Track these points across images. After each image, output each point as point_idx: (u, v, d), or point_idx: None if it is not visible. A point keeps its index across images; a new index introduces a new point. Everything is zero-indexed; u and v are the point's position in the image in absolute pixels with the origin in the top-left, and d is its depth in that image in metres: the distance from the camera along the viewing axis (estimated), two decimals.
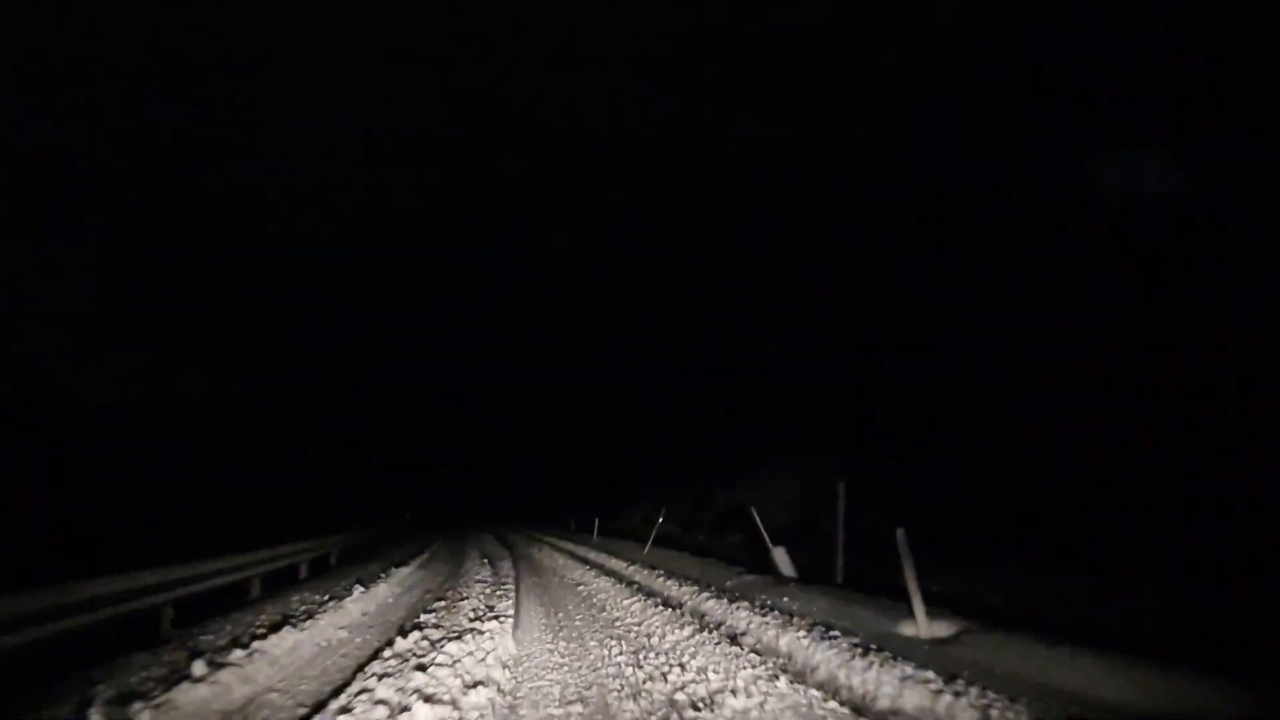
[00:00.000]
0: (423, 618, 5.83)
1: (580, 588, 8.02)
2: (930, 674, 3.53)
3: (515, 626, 5.53)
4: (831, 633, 4.62)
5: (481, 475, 65.26)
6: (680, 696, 3.62)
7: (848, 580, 7.50)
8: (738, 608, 5.73)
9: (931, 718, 3.18)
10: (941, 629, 4.43)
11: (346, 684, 3.92)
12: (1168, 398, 9.09)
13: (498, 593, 7.25)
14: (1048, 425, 11.09)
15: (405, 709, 3.29)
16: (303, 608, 6.64)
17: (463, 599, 6.89)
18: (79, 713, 3.23)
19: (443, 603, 6.76)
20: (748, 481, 20.19)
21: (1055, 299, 11.54)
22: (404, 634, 5.08)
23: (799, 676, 3.99)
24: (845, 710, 3.39)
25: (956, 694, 3.23)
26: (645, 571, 8.88)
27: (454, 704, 3.44)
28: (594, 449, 37.28)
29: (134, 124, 21.22)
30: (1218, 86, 9.97)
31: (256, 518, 15.83)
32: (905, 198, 16.60)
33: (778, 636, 4.79)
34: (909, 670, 3.61)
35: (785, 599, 6.09)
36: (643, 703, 3.57)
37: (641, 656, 4.51)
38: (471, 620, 5.60)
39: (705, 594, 6.55)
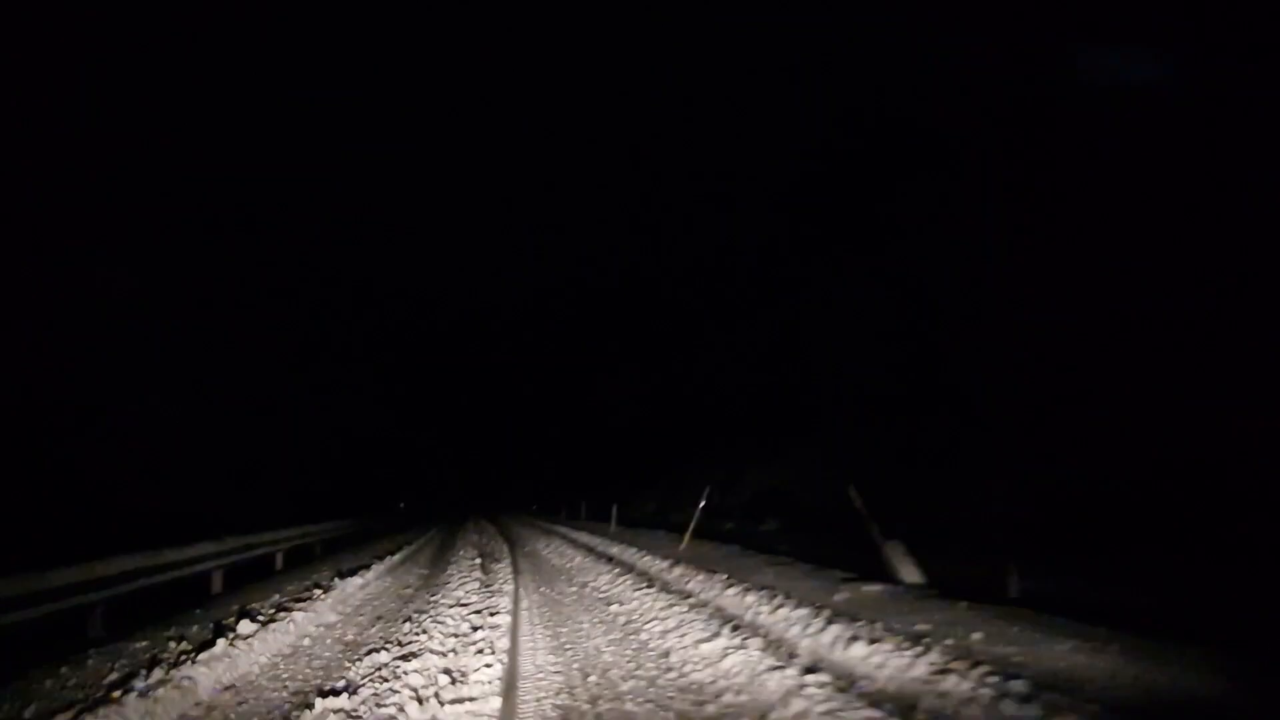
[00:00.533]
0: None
1: (613, 608, 5.40)
2: None
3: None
4: None
5: (485, 463, 63.11)
6: None
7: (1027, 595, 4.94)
8: (944, 671, 3.02)
9: None
10: None
11: None
12: None
13: (479, 636, 4.39)
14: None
15: None
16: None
17: (414, 652, 4.01)
18: None
19: (378, 658, 3.99)
20: (784, 460, 17.43)
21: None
22: None
23: None
24: None
25: None
26: (698, 576, 6.29)
27: None
28: (604, 433, 34.75)
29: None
30: None
31: (191, 507, 13.40)
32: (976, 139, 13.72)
33: None
34: None
35: (1002, 643, 3.50)
36: None
37: None
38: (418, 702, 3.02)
39: (837, 626, 3.89)
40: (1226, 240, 8.20)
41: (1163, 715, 2.46)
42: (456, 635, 4.39)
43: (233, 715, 3.09)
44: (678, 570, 6.85)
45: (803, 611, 4.31)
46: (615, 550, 9.53)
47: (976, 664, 2.99)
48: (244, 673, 3.74)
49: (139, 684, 3.27)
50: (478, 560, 8.56)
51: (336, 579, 6.80)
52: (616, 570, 7.41)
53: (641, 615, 4.91)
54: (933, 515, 9.20)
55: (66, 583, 4.78)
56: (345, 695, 3.10)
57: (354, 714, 2.91)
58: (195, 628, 4.85)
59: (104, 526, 11.60)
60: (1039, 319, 10.76)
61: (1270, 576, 4.74)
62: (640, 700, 3.07)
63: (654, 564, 7.65)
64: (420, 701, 2.98)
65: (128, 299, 16.73)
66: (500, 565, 8.13)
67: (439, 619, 4.92)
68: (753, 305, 21.82)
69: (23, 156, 15.20)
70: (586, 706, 3.01)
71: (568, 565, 8.48)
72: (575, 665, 3.73)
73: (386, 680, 3.38)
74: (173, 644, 4.32)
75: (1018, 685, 2.66)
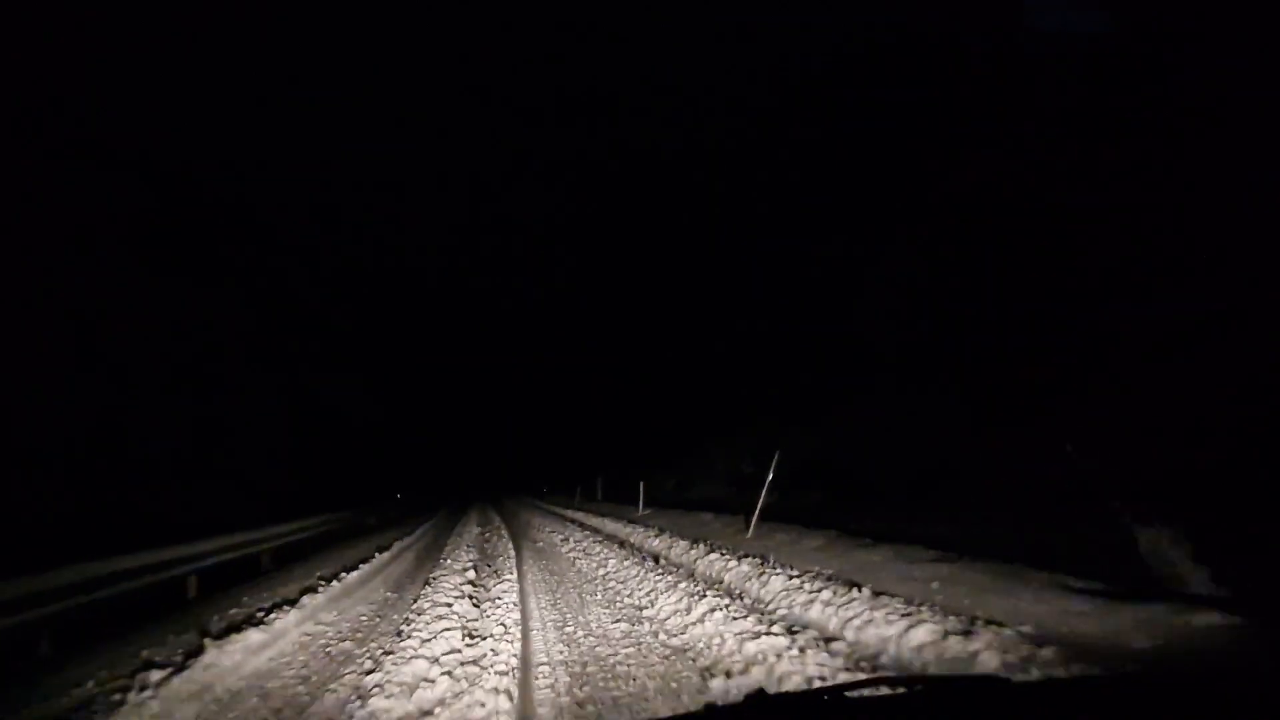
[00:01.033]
0: None
1: (715, 682, 2.93)
2: None
3: None
4: None
5: (491, 446, 61.25)
6: None
7: None
8: None
9: None
10: None
11: None
12: None
13: None
14: None
15: None
16: None
17: None
18: None
19: None
20: (823, 427, 14.87)
21: None
22: None
23: None
24: None
25: None
26: (837, 597, 3.76)
27: None
28: (617, 407, 32.45)
29: None
30: None
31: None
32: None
33: None
34: None
35: None
36: None
37: None
38: None
39: None
40: None
41: None
42: None
43: None
44: (778, 581, 4.37)
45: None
46: (658, 544, 7.15)
47: None
48: None
49: None
50: (470, 572, 6.09)
51: (272, 614, 4.40)
52: (674, 579, 5.01)
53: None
54: (1035, 485, 7.08)
55: None
56: None
57: None
58: None
59: None
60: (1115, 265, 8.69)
61: None
62: None
63: (728, 567, 5.20)
64: None
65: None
66: (503, 584, 5.58)
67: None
68: (781, 264, 19.43)
69: None
70: None
71: (599, 571, 6.08)
72: None
73: None
74: None
75: None
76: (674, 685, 2.89)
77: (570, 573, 6.17)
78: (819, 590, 3.88)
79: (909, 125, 14.16)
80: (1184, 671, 2.36)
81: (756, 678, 2.77)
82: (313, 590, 5.59)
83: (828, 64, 17.66)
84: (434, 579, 5.69)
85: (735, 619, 3.58)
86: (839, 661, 2.83)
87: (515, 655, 3.39)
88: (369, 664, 3.49)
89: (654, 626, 3.90)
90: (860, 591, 3.67)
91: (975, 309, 11.64)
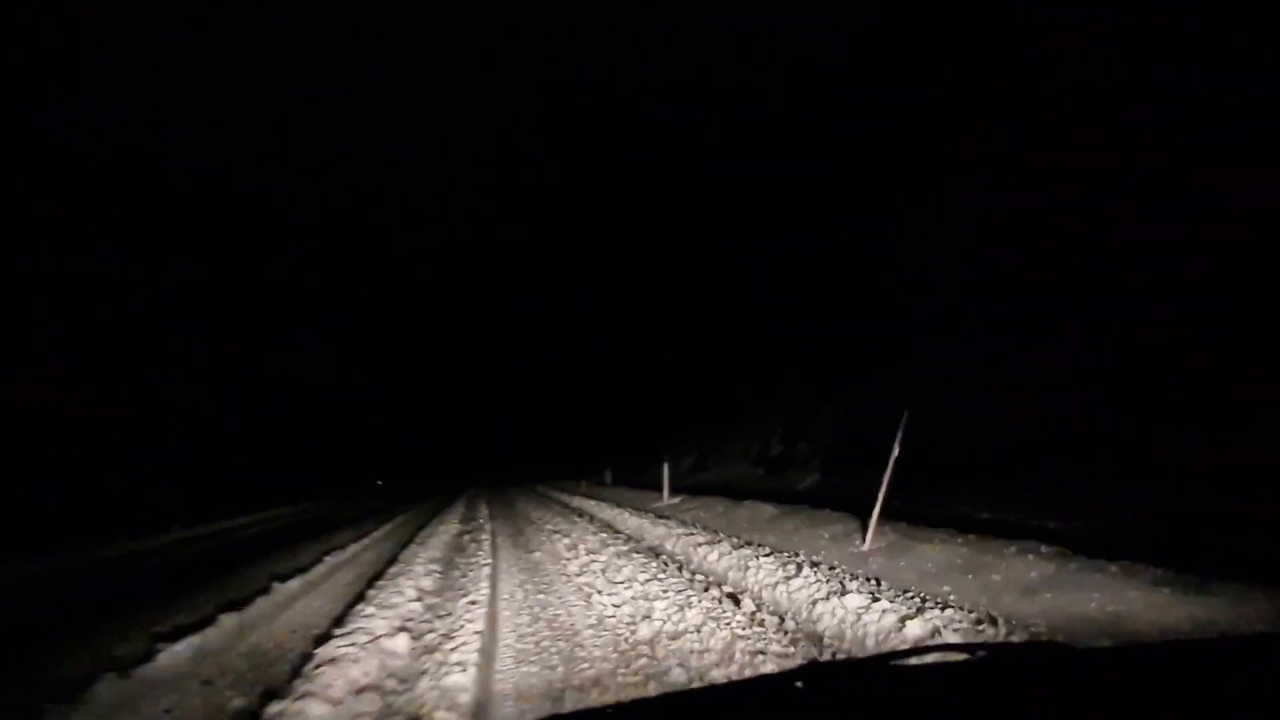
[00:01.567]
0: None
1: None
2: None
3: None
4: None
5: (491, 431, 61.24)
6: None
7: None
8: None
9: None
10: None
11: None
12: None
13: None
14: None
15: None
16: None
17: None
18: None
19: None
20: (869, 396, 12.00)
21: None
22: None
23: None
24: None
25: None
26: None
27: None
28: (624, 387, 30.17)
29: None
30: None
31: None
32: None
33: None
34: None
35: None
36: None
37: None
38: None
39: None
40: None
41: None
42: None
43: None
44: None
45: None
46: (719, 560, 4.82)
47: None
48: None
49: None
50: (399, 639, 3.22)
51: None
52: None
53: None
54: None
55: None
56: None
57: None
58: None
59: None
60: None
61: None
62: None
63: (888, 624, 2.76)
64: None
65: None
66: (449, 679, 2.74)
67: None
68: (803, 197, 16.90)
69: None
70: None
71: (638, 623, 3.43)
72: None
73: None
74: None
75: None
76: None
77: (585, 633, 3.41)
78: None
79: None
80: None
81: None
82: None
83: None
84: (324, 666, 2.73)
85: None
86: None
87: None
88: None
89: None
90: None
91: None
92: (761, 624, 3.28)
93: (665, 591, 4.06)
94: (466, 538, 8.04)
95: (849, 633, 2.95)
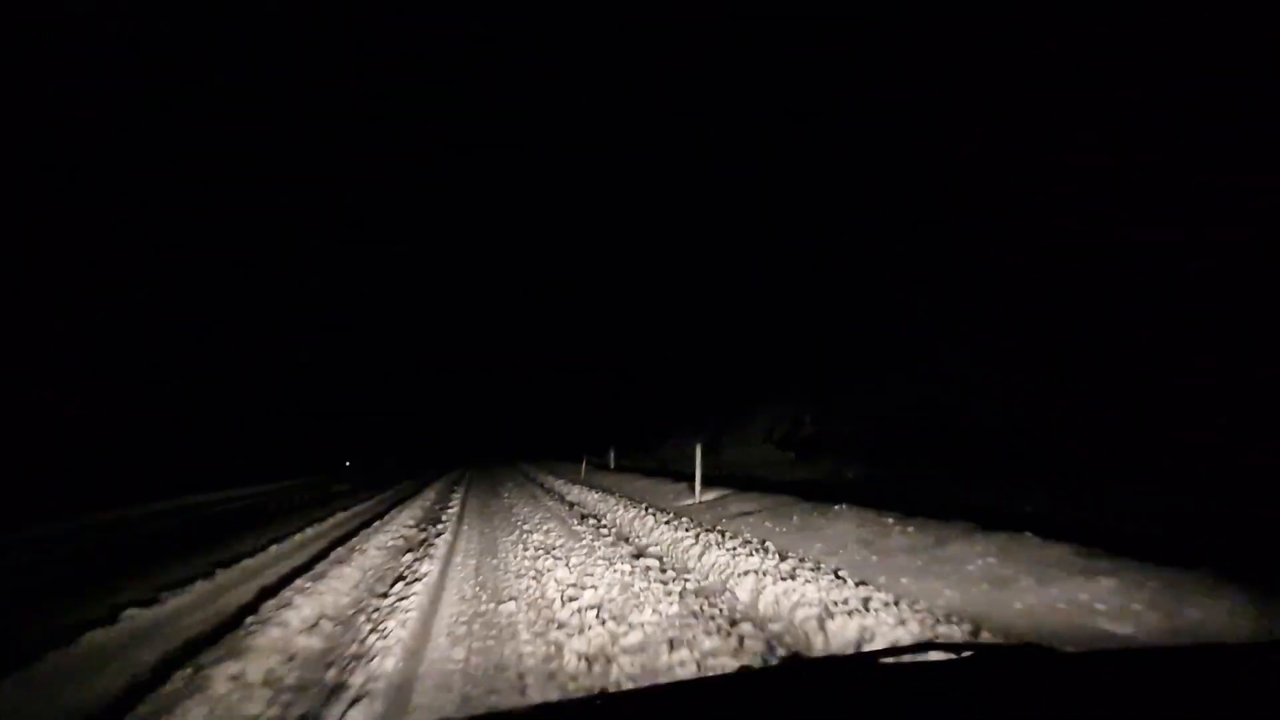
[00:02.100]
0: None
1: None
2: None
3: None
4: None
5: (486, 409, 60.11)
6: None
7: None
8: None
9: None
10: None
11: None
12: None
13: None
14: None
15: None
16: None
17: None
18: None
19: None
20: (905, 373, 11.12)
21: None
22: None
23: None
24: None
25: None
26: None
27: None
28: (627, 360, 27.66)
29: None
30: None
31: None
32: None
33: None
34: None
35: None
36: None
37: None
38: None
39: None
40: None
41: None
42: None
43: None
44: None
45: None
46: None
47: None
48: None
49: None
50: None
51: None
52: None
53: None
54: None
55: None
56: None
57: None
58: None
59: None
60: None
61: None
62: None
63: None
64: None
65: None
66: None
67: None
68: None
69: None
70: None
71: None
72: None
73: None
74: None
75: None
76: None
77: None
78: None
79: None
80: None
81: None
82: None
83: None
84: None
85: None
86: None
87: None
88: None
89: None
90: None
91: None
92: None
93: None
94: (406, 561, 5.76)
95: None
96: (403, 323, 54.41)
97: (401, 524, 8.39)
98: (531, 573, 4.85)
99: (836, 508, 5.72)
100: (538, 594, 4.21)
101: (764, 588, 3.67)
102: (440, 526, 7.85)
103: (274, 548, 7.16)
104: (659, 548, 5.49)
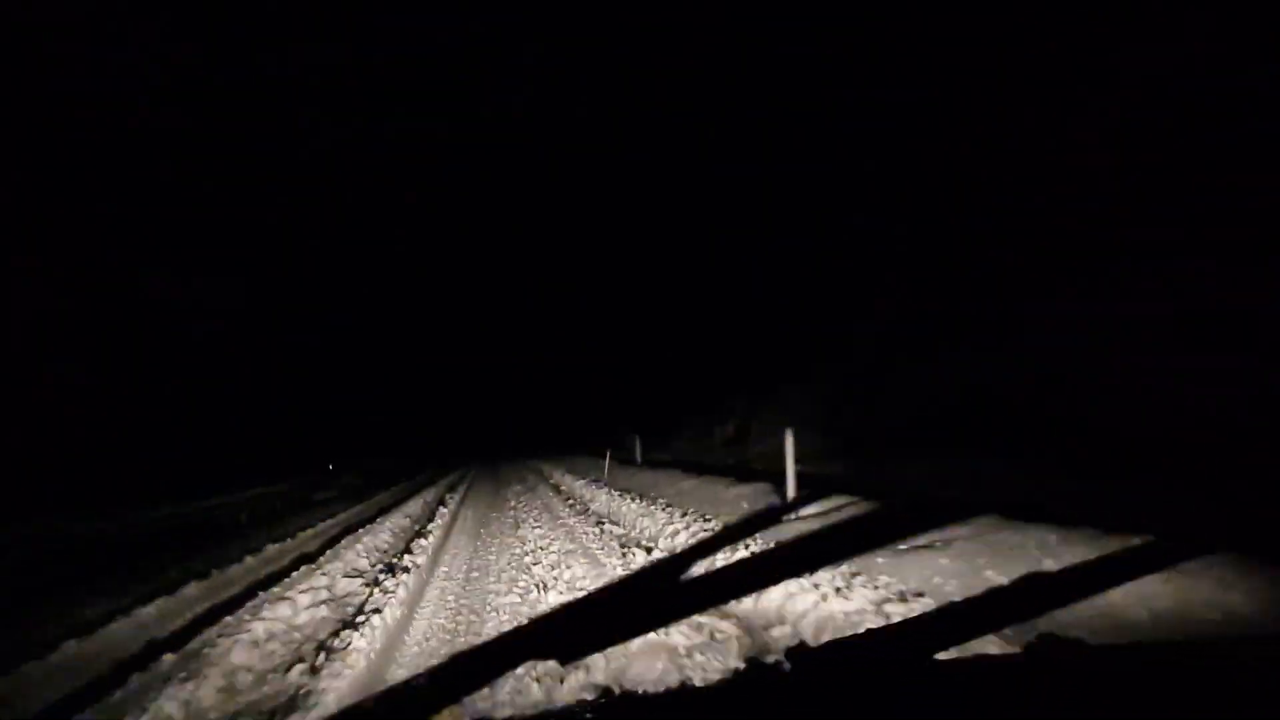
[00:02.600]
0: None
1: None
2: None
3: None
4: None
5: (495, 397, 59.10)
6: None
7: None
8: None
9: None
10: None
11: None
12: None
13: None
14: None
15: None
16: None
17: None
18: None
19: None
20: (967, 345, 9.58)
21: None
22: None
23: None
24: None
25: None
26: None
27: None
28: (647, 341, 25.61)
29: None
30: None
31: None
32: None
33: None
34: None
35: None
36: None
37: None
38: None
39: None
40: None
41: None
42: None
43: None
44: None
45: None
46: None
47: None
48: None
49: None
50: None
51: None
52: None
53: None
54: None
55: None
56: None
57: None
58: None
59: None
60: None
61: None
62: None
63: None
64: None
65: None
66: None
67: None
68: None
69: None
70: None
71: None
72: None
73: None
74: None
75: None
76: None
77: None
78: None
79: None
80: None
81: None
82: None
83: None
84: None
85: None
86: None
87: None
88: None
89: None
90: None
91: None
92: None
93: None
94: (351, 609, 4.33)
95: None
96: (403, 322, 54.47)
97: (372, 546, 6.57)
98: None
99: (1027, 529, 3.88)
100: None
101: None
102: (411, 560, 5.68)
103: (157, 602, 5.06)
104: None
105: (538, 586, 4.59)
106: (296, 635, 3.96)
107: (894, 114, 13.97)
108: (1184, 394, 6.16)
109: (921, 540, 4.17)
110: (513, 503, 10.06)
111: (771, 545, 4.57)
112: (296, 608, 4.36)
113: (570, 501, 9.39)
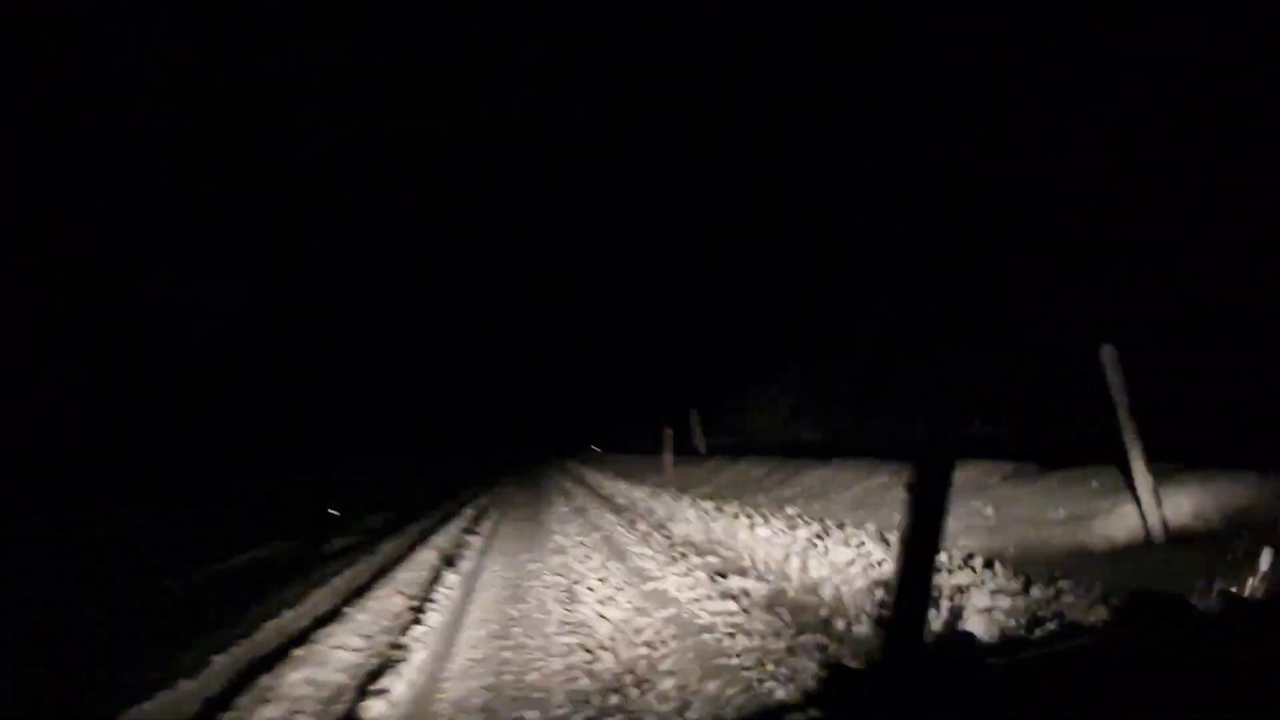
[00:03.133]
0: None
1: None
2: None
3: None
4: None
5: (527, 380, 57.14)
6: None
7: None
8: None
9: None
10: None
11: None
12: None
13: None
14: None
15: None
16: None
17: None
18: None
19: None
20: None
21: None
22: None
23: None
24: None
25: None
26: None
27: None
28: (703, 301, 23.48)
29: None
30: None
31: None
32: None
33: None
34: None
35: None
36: None
37: None
38: None
39: None
40: None
41: None
42: None
43: None
44: None
45: None
46: None
47: None
48: None
49: None
50: None
51: None
52: None
53: None
54: None
55: None
56: None
57: None
58: None
59: None
60: None
61: None
62: None
63: None
64: None
65: None
66: None
67: None
68: None
69: None
70: None
71: None
72: None
73: None
74: None
75: None
76: None
77: None
78: None
79: None
80: None
81: None
82: None
83: None
84: None
85: None
86: None
87: None
88: None
89: None
90: None
91: None
92: None
93: None
94: None
95: None
96: (402, 322, 54.48)
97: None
98: None
99: None
100: None
101: None
102: None
103: None
104: None
105: None
106: None
107: (894, 114, 13.93)
108: (1184, 394, 6.08)
109: None
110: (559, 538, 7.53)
111: None
112: None
113: (641, 527, 7.55)
